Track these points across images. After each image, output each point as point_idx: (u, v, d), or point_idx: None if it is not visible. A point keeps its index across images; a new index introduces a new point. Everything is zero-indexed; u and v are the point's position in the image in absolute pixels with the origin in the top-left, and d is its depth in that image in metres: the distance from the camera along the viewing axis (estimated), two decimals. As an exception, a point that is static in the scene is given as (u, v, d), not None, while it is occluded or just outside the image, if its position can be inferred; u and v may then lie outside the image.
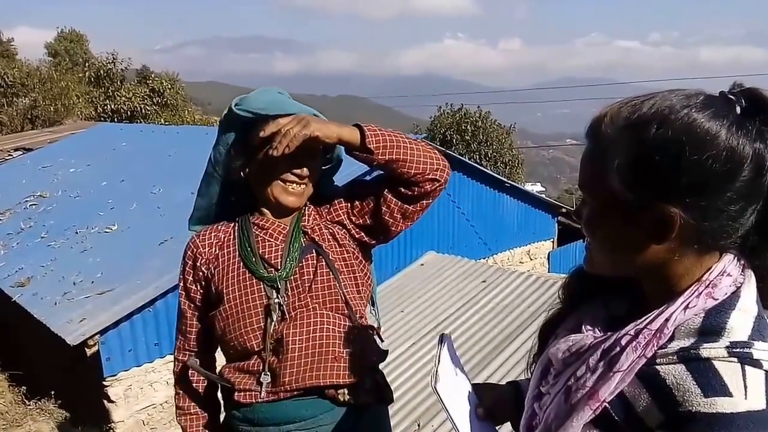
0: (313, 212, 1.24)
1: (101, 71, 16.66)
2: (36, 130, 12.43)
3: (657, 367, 0.60)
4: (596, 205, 0.64)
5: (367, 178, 1.29)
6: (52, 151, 9.01)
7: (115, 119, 15.17)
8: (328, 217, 1.23)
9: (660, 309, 0.62)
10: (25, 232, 6.06)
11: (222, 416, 1.31)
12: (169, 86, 16.53)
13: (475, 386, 0.89)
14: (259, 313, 1.17)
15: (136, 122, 14.72)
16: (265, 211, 1.22)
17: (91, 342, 4.24)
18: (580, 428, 0.62)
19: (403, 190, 1.15)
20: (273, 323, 1.15)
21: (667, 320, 0.60)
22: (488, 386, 0.92)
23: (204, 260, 1.24)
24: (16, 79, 13.37)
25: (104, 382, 4.41)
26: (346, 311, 1.20)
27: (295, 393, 1.17)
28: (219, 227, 1.26)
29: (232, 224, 1.25)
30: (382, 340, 1.32)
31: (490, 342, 4.72)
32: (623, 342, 0.62)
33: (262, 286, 1.17)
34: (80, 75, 16.05)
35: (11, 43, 18.41)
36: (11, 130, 12.98)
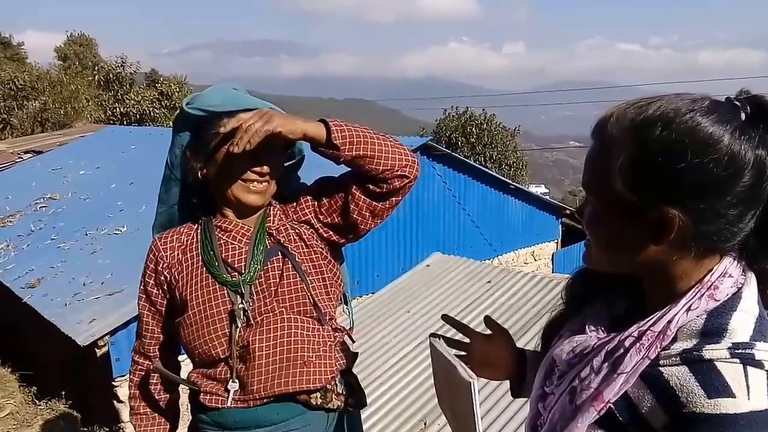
0: (279, 212, 1.18)
1: (110, 75, 16.83)
2: (46, 133, 12.57)
3: (660, 368, 0.60)
4: (598, 204, 0.65)
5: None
6: (61, 154, 9.08)
7: (124, 122, 15.30)
8: (294, 217, 1.17)
9: (662, 311, 0.62)
10: (35, 234, 6.13)
11: (189, 419, 1.25)
12: (177, 89, 16.64)
13: (470, 332, 0.92)
14: (223, 320, 1.11)
15: (145, 125, 14.83)
16: (228, 212, 1.16)
17: (101, 342, 4.28)
18: (584, 429, 0.63)
19: (371, 187, 1.09)
20: (238, 329, 1.10)
21: (669, 322, 0.61)
22: (481, 336, 0.94)
23: (166, 264, 1.19)
24: (27, 83, 13.54)
25: (114, 383, 4.44)
26: (314, 314, 1.15)
27: (265, 400, 1.13)
28: (182, 230, 1.21)
29: (196, 226, 1.20)
30: (353, 341, 1.28)
31: (496, 343, 4.72)
32: (627, 344, 0.62)
33: (225, 291, 1.12)
34: (90, 78, 16.21)
35: (21, 47, 18.66)
36: (21, 133, 13.14)
